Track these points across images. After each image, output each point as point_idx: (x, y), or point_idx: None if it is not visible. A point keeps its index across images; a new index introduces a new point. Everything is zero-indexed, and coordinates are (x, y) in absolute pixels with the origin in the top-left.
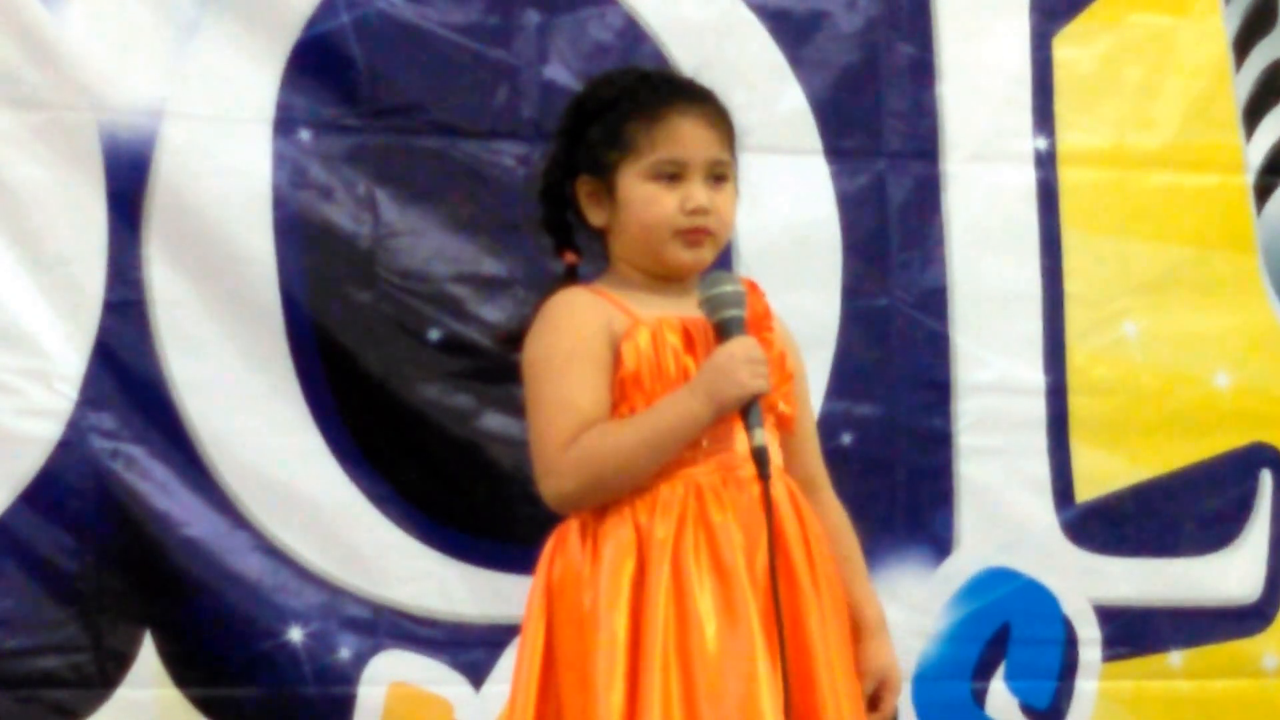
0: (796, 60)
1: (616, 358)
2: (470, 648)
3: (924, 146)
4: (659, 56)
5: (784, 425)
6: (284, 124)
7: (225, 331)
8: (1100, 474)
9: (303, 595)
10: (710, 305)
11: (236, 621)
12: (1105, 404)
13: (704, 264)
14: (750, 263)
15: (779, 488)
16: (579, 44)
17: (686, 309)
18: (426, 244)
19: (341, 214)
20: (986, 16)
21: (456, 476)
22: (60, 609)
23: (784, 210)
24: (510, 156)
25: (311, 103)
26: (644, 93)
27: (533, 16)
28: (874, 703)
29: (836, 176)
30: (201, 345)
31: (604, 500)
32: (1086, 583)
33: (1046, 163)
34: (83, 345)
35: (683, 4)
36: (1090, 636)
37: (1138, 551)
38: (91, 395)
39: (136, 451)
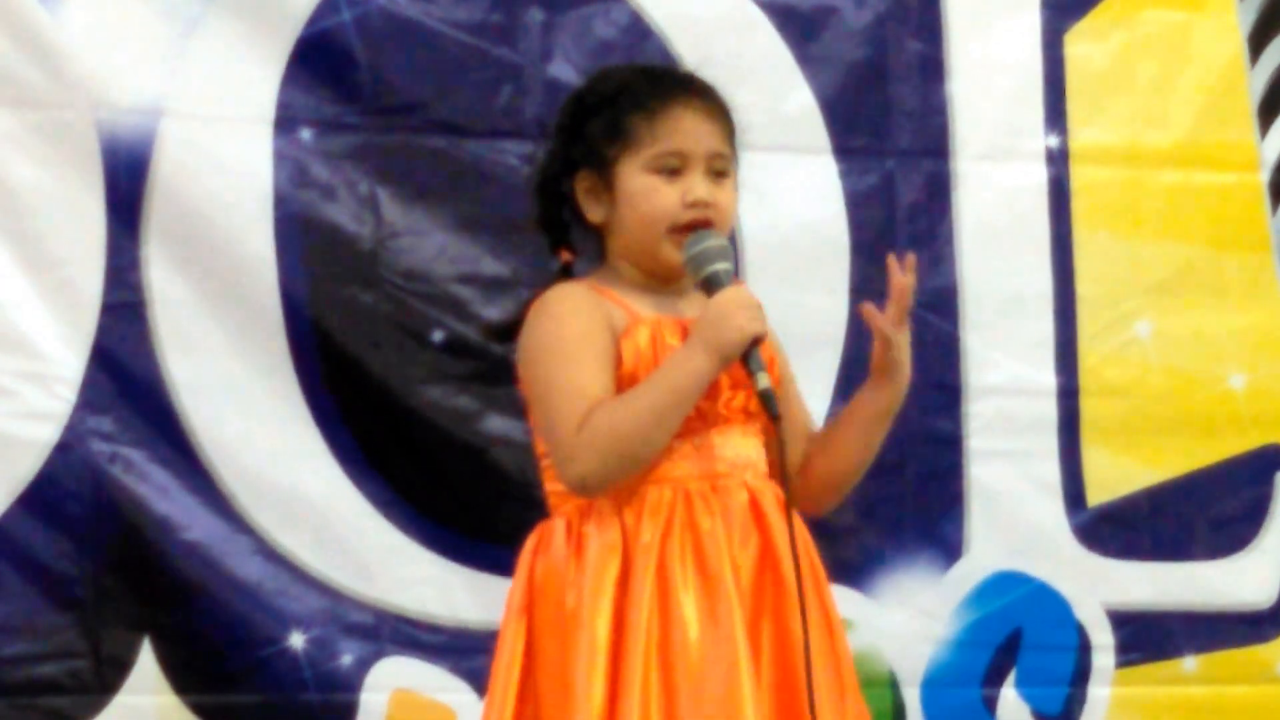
0: (804, 57)
1: (617, 354)
2: (473, 654)
3: (933, 145)
4: (664, 53)
5: (768, 430)
6: (284, 123)
7: (225, 333)
8: (1113, 477)
9: (304, 600)
10: (696, 262)
11: (237, 627)
12: (1118, 406)
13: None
14: (757, 262)
15: (766, 495)
16: (583, 41)
17: (685, 311)
18: (429, 244)
19: (343, 214)
20: (997, 13)
21: (459, 480)
22: (59, 615)
23: (791, 209)
24: (514, 155)
25: (312, 101)
26: (644, 86)
27: (537, 14)
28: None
29: (845, 175)
30: (201, 347)
31: (626, 476)
32: (1099, 587)
33: (1058, 161)
34: (81, 348)
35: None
36: (1103, 642)
37: (1151, 555)
38: (90, 398)
39: (135, 455)
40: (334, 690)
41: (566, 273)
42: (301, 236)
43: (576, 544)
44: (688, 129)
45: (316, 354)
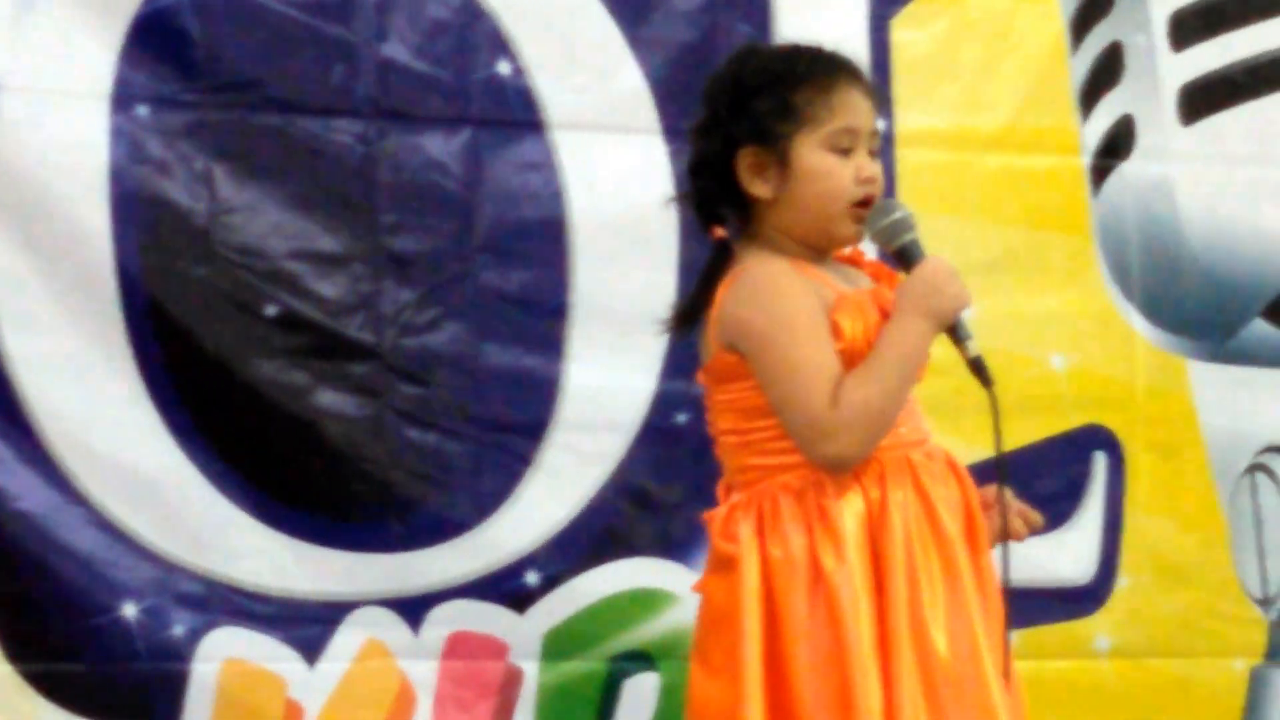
0: (634, 39)
1: (833, 328)
2: (304, 624)
3: None
4: (497, 34)
5: None
6: (121, 99)
7: (61, 307)
8: None
9: (136, 571)
10: (889, 232)
11: (69, 597)
12: (940, 385)
13: (861, 237)
14: (585, 243)
15: (956, 460)
16: (417, 21)
17: (855, 282)
18: (263, 220)
19: (178, 190)
20: None
21: (291, 453)
22: None
23: (620, 189)
24: (348, 134)
25: (149, 78)
26: (812, 63)
27: None
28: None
29: (674, 156)
30: (37, 321)
31: (873, 449)
32: None
33: (884, 144)
34: None
35: None
36: None
37: None
38: None
39: None
40: (166, 659)
41: (724, 248)
42: (137, 212)
43: (819, 515)
44: (857, 106)
45: (151, 328)
